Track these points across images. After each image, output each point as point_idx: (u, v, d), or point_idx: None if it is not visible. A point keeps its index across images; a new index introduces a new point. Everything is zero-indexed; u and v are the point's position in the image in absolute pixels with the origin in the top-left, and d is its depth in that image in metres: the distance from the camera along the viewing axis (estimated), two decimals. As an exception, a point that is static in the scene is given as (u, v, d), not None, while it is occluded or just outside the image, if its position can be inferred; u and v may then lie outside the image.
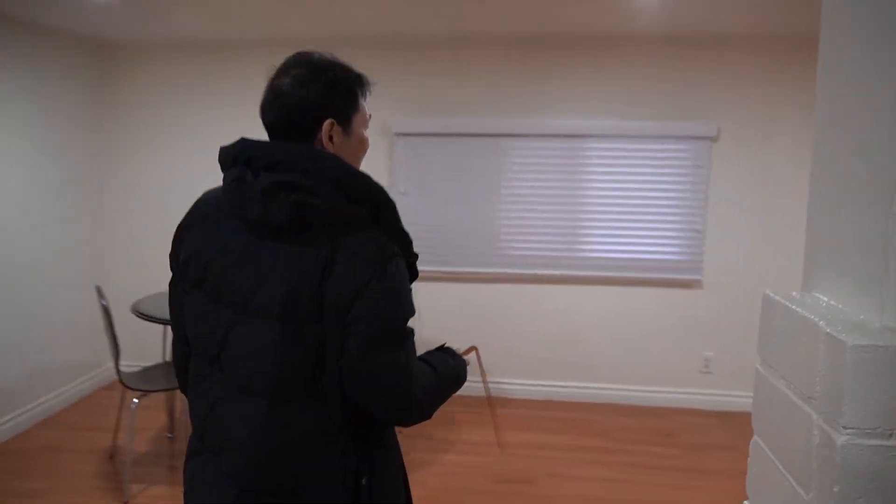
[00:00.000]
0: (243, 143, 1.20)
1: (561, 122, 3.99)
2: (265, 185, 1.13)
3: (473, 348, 1.57)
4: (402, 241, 1.21)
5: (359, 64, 1.30)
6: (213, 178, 1.29)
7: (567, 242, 4.09)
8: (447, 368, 1.32)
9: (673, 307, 4.09)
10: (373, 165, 4.09)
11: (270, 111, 1.22)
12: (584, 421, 3.96)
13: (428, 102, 4.10)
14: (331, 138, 1.22)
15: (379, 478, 1.23)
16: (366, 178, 1.18)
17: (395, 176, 4.15)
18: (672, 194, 3.99)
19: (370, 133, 1.32)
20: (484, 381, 1.69)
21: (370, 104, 1.30)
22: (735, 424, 3.92)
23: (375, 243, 1.15)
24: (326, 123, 1.21)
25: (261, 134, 1.25)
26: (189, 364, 1.29)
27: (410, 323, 1.21)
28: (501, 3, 3.20)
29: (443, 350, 1.40)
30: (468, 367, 1.42)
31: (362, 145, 1.29)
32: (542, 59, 3.98)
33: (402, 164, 4.14)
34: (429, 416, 1.24)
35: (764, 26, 3.58)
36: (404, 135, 4.12)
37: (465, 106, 4.08)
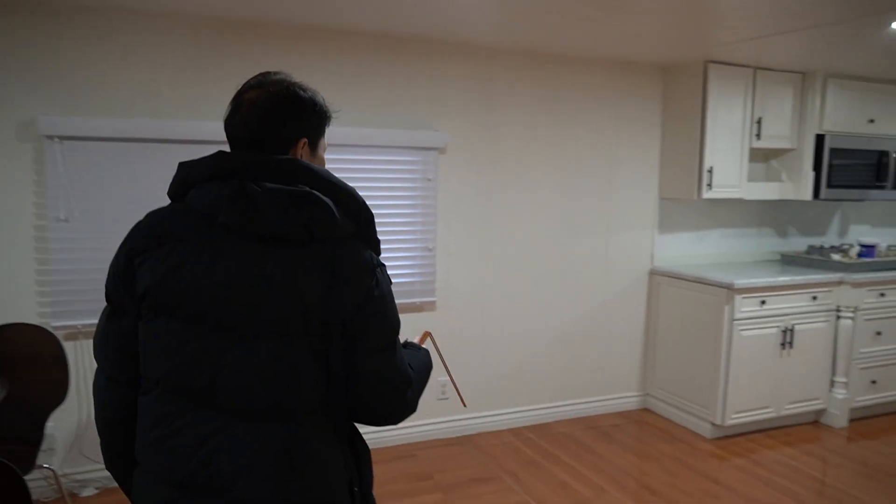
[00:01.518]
0: (228, 155, 1.19)
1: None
2: (281, 198, 1.13)
3: (427, 333, 1.60)
4: (378, 251, 1.26)
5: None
6: None
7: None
8: (420, 363, 1.37)
9: (407, 334, 3.74)
10: (7, 181, 2.87)
11: (245, 126, 1.23)
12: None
13: (94, 94, 3.04)
14: (300, 157, 1.25)
15: (365, 484, 1.28)
16: (355, 193, 1.22)
17: (49, 195, 2.98)
18: (404, 210, 3.64)
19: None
20: (440, 358, 1.72)
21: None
22: (479, 450, 3.74)
23: (366, 254, 1.20)
24: (301, 142, 1.26)
25: None
26: (144, 404, 1.19)
27: None
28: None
29: (406, 346, 1.42)
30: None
31: (322, 165, 1.32)
32: (257, 48, 3.26)
33: (60, 179, 2.99)
34: (415, 411, 1.31)
35: (487, 37, 3.46)
36: (63, 138, 2.98)
37: (147, 103, 3.12)
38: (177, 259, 1.15)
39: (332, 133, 3.35)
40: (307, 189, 1.15)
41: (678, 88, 4.15)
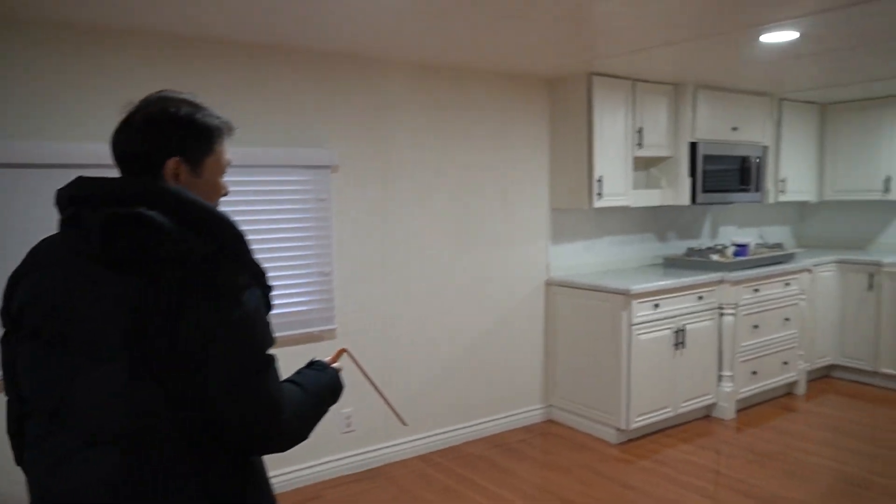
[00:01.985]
0: (80, 181, 1.19)
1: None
2: (104, 220, 1.12)
3: (343, 351, 1.53)
4: (254, 272, 1.20)
5: None
6: None
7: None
8: (318, 385, 1.34)
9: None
10: None
11: (118, 145, 1.23)
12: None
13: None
14: (176, 177, 1.23)
15: None
16: (211, 210, 1.18)
17: None
18: (296, 233, 3.39)
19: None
20: (364, 374, 1.62)
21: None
22: (390, 483, 3.54)
23: (227, 275, 1.15)
24: (171, 161, 1.22)
25: None
26: (26, 426, 1.20)
27: None
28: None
29: (312, 365, 1.41)
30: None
31: (215, 190, 1.31)
32: (130, 59, 2.90)
33: None
34: (305, 437, 1.26)
35: (377, 48, 3.32)
36: None
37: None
38: (44, 283, 1.19)
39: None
40: (135, 210, 1.12)
41: (564, 100, 4.22)
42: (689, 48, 3.44)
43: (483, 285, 4.13)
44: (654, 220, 4.98)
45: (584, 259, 4.60)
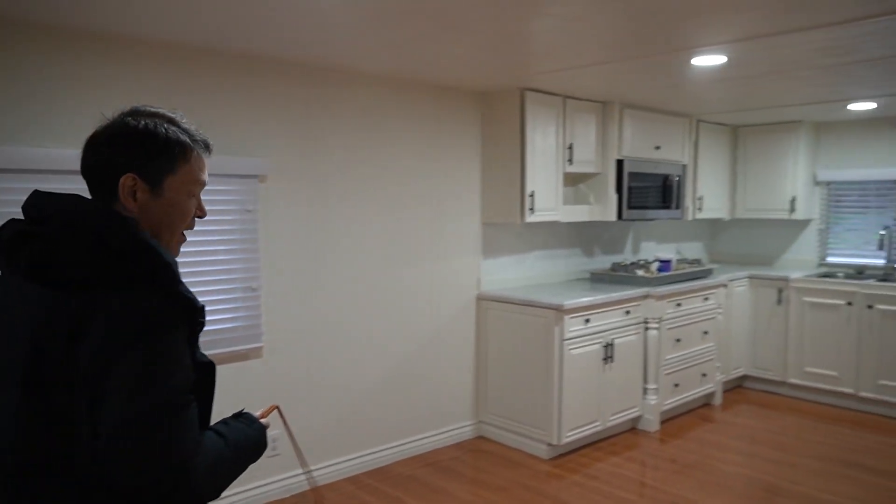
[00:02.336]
0: (31, 195, 1.17)
1: (55, 152, 2.70)
2: (9, 236, 1.11)
3: (274, 407, 1.45)
4: (183, 305, 1.10)
5: None
6: None
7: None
8: (244, 439, 1.24)
9: (233, 388, 3.27)
10: None
11: (82, 160, 1.19)
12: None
13: None
14: (133, 196, 1.16)
15: None
16: (132, 235, 1.10)
17: None
18: (222, 246, 3.19)
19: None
20: (291, 438, 1.53)
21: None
22: (320, 507, 3.38)
23: (141, 305, 1.06)
24: (125, 178, 1.15)
25: None
26: None
27: None
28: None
29: (240, 417, 1.30)
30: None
31: (176, 210, 1.21)
32: (32, 54, 2.63)
33: None
34: (216, 495, 1.14)
35: (306, 54, 3.18)
36: None
37: None
38: None
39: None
40: (41, 228, 1.10)
41: (497, 114, 4.21)
42: (621, 68, 3.50)
43: (414, 300, 4.04)
44: (579, 236, 5.06)
45: (514, 273, 4.60)
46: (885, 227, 5.21)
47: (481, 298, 4.36)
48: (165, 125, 1.18)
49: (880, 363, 4.75)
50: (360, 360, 3.79)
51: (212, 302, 3.15)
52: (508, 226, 4.49)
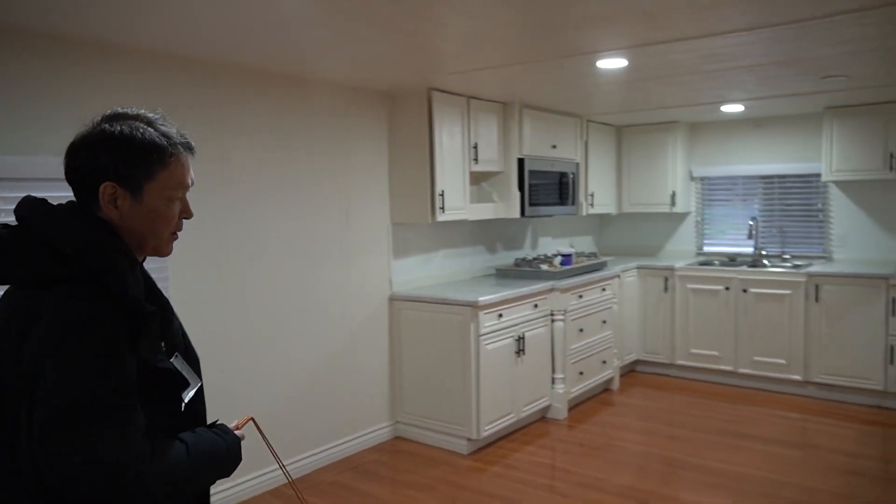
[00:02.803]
0: (21, 200, 1.17)
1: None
2: None
3: (249, 419, 1.44)
4: (125, 308, 1.07)
5: None
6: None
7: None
8: (213, 449, 1.21)
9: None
10: None
11: (65, 167, 1.18)
12: None
13: None
14: (115, 203, 1.15)
15: None
16: (80, 236, 1.09)
17: None
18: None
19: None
20: (269, 448, 1.52)
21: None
22: (241, 524, 3.24)
23: (76, 306, 1.05)
24: (105, 186, 1.14)
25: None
26: None
27: None
28: None
29: (213, 427, 1.28)
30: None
31: (159, 216, 1.20)
32: None
33: None
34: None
35: (212, 51, 3.04)
36: None
37: None
38: None
39: None
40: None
41: (404, 114, 4.22)
42: (527, 69, 3.63)
43: (327, 304, 3.96)
44: (483, 233, 5.17)
45: (423, 273, 4.63)
46: (753, 218, 5.75)
47: (394, 299, 4.35)
48: (142, 129, 1.16)
49: (755, 341, 5.24)
50: (275, 370, 3.67)
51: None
52: (417, 226, 4.51)
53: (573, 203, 5.37)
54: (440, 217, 4.15)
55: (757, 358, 5.23)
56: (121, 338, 1.07)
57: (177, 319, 1.44)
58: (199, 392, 1.38)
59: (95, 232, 1.13)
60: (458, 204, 4.31)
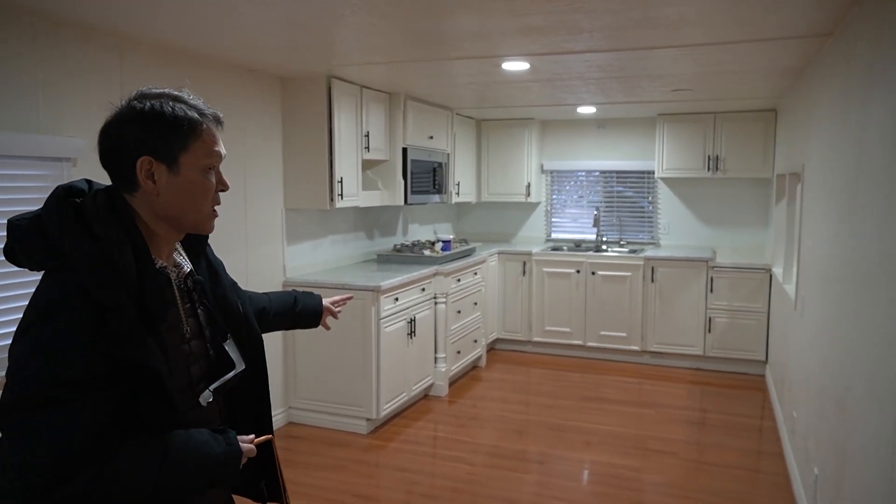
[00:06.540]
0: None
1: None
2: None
3: (269, 438, 1.38)
4: (107, 303, 1.06)
5: None
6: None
7: None
8: (197, 452, 1.14)
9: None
10: None
11: (98, 148, 1.19)
12: None
13: None
14: (152, 178, 1.16)
15: None
16: (64, 223, 1.09)
17: None
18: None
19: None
20: (278, 471, 1.44)
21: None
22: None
23: (46, 294, 1.08)
24: (141, 161, 1.15)
25: None
26: None
27: None
28: None
29: (218, 432, 1.20)
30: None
31: (196, 187, 1.21)
32: None
33: None
34: None
35: (115, 21, 2.84)
36: None
37: None
38: None
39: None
40: (18, 220, 1.13)
41: (300, 100, 4.19)
42: (396, 67, 3.81)
43: (226, 291, 3.85)
44: (363, 220, 5.28)
45: (313, 258, 4.64)
46: (596, 208, 6.46)
47: (287, 285, 4.32)
48: (171, 104, 1.17)
49: (601, 318, 5.93)
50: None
51: (8, 311, 2.66)
52: (308, 211, 4.51)
53: (444, 192, 5.66)
54: (339, 204, 4.20)
55: (603, 332, 5.94)
56: (80, 329, 1.04)
57: (235, 300, 1.43)
58: (242, 377, 1.36)
59: (79, 223, 1.10)
60: (353, 191, 4.38)
